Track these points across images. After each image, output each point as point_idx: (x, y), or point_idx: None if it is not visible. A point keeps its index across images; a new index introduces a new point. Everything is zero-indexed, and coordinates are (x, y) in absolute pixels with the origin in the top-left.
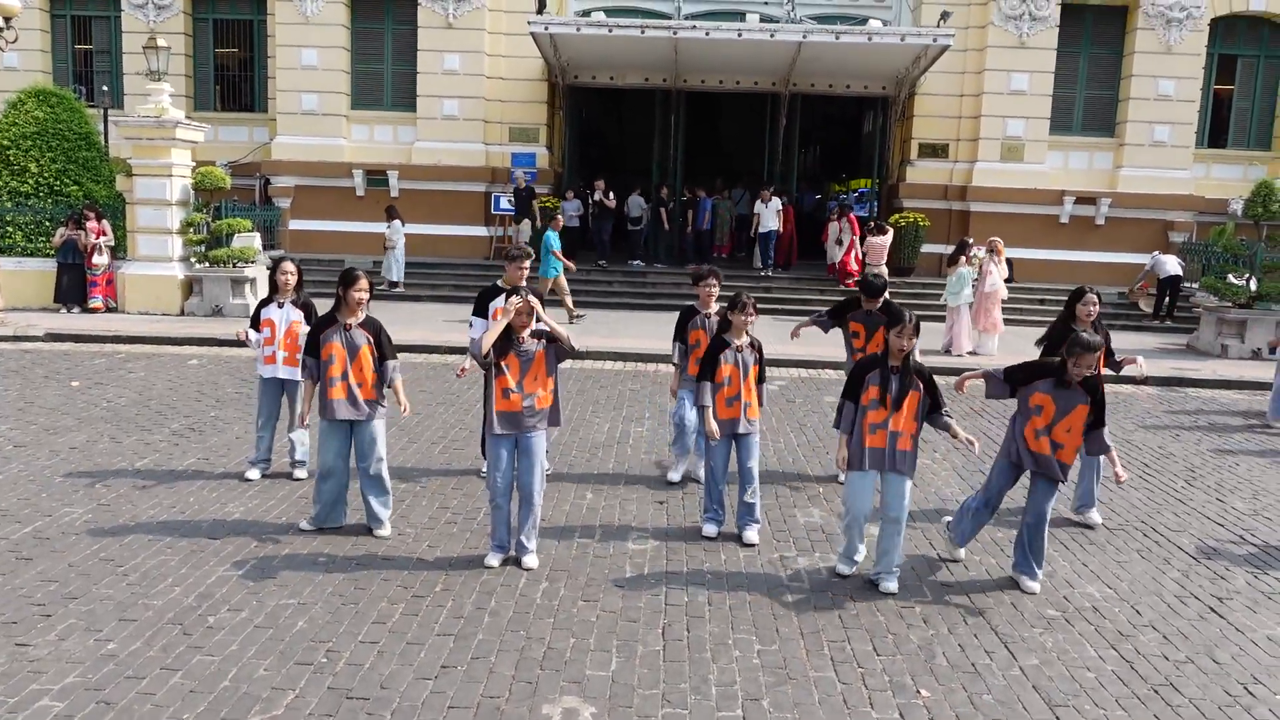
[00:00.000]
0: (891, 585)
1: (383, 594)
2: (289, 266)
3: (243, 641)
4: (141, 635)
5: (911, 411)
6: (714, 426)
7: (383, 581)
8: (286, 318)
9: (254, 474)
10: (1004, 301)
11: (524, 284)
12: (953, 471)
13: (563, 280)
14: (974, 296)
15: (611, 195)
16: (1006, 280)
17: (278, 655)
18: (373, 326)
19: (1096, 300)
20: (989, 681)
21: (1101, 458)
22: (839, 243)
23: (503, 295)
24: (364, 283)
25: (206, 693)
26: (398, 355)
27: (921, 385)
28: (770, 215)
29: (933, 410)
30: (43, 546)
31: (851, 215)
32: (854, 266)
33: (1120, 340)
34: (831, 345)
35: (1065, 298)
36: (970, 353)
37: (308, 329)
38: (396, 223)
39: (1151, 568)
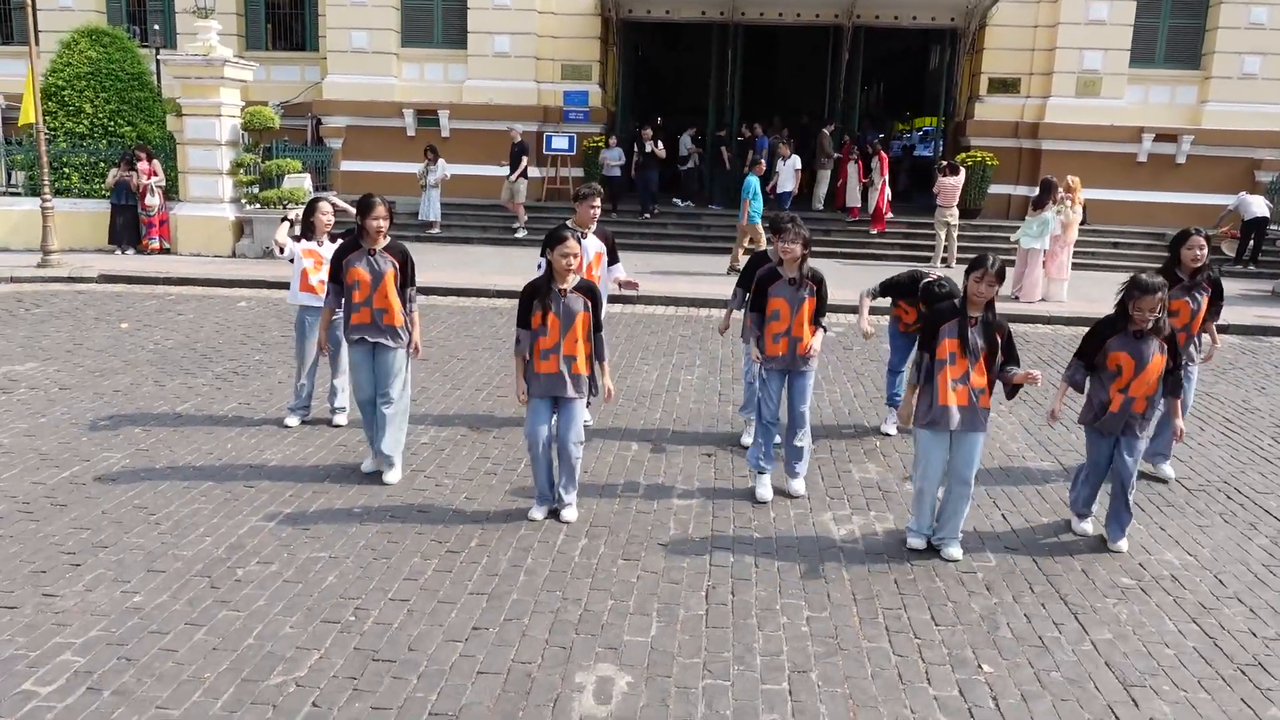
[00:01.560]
0: (955, 551)
1: (416, 548)
2: (326, 205)
3: (270, 597)
4: (169, 588)
5: (990, 366)
6: (755, 353)
7: (417, 535)
8: (329, 251)
9: (292, 420)
10: (1075, 245)
11: (592, 230)
12: (1019, 425)
13: (760, 229)
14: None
15: (661, 145)
16: (1080, 223)
17: (305, 612)
18: (399, 252)
19: (1204, 243)
20: (1057, 657)
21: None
22: (870, 184)
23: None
24: (381, 209)
25: (230, 651)
26: (417, 282)
27: (1000, 340)
28: (788, 174)
29: (1009, 363)
30: (78, 493)
31: (883, 154)
32: (886, 211)
33: None
34: None
35: (1140, 241)
36: (1040, 300)
37: None
38: (442, 162)
39: (1236, 533)
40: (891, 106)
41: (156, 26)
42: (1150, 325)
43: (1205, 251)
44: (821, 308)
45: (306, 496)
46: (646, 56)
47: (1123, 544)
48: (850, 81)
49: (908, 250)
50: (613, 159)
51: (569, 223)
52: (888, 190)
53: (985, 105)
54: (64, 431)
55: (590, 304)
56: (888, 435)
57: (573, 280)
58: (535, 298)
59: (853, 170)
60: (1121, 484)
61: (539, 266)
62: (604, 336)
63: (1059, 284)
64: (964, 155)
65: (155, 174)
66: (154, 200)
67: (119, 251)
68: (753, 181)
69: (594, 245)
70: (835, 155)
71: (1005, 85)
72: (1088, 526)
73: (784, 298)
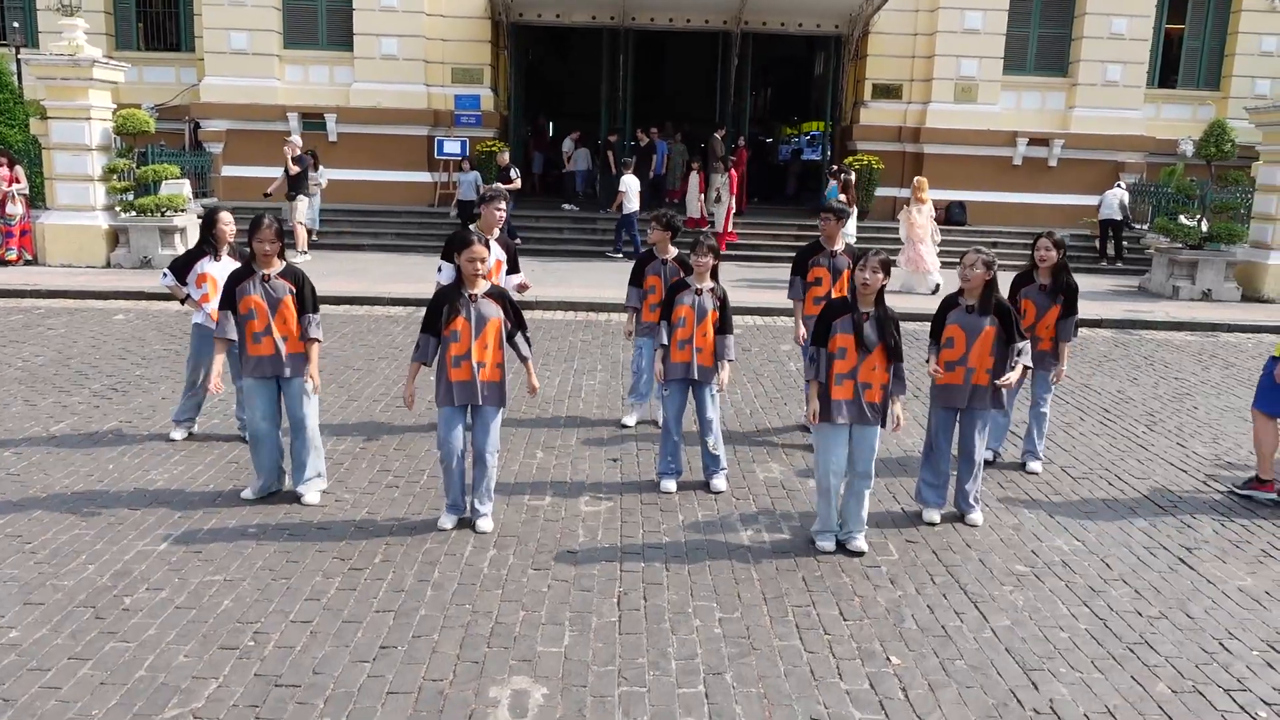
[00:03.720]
0: (860, 544)
1: (317, 567)
2: (228, 217)
3: (161, 625)
4: (48, 620)
5: (883, 359)
6: (659, 368)
7: (317, 553)
8: (227, 270)
9: (178, 434)
10: (948, 245)
11: (495, 235)
12: (912, 420)
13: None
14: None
15: (516, 173)
16: (956, 223)
17: (200, 639)
18: (294, 276)
19: (1050, 245)
20: (960, 645)
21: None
22: (718, 199)
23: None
24: (268, 231)
25: (119, 684)
26: (319, 309)
27: (894, 335)
28: (633, 195)
29: (893, 359)
30: None
31: (734, 171)
32: (733, 232)
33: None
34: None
35: (1020, 241)
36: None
37: None
38: (322, 169)
39: (1118, 518)
40: (780, 111)
41: (16, 24)
42: (983, 299)
43: (1054, 253)
44: (725, 324)
45: (197, 517)
46: (538, 60)
47: (976, 517)
48: (740, 87)
49: (771, 253)
50: (467, 182)
51: (473, 227)
52: (733, 205)
53: (870, 110)
54: None
55: (504, 309)
56: (793, 432)
57: (483, 285)
58: (445, 303)
59: (694, 180)
60: (969, 455)
61: (438, 270)
62: (529, 336)
63: (921, 277)
64: (851, 159)
65: (17, 180)
66: (15, 209)
67: None
68: (834, 193)
69: (496, 252)
70: (729, 159)
71: (888, 91)
72: (935, 515)
73: (690, 305)
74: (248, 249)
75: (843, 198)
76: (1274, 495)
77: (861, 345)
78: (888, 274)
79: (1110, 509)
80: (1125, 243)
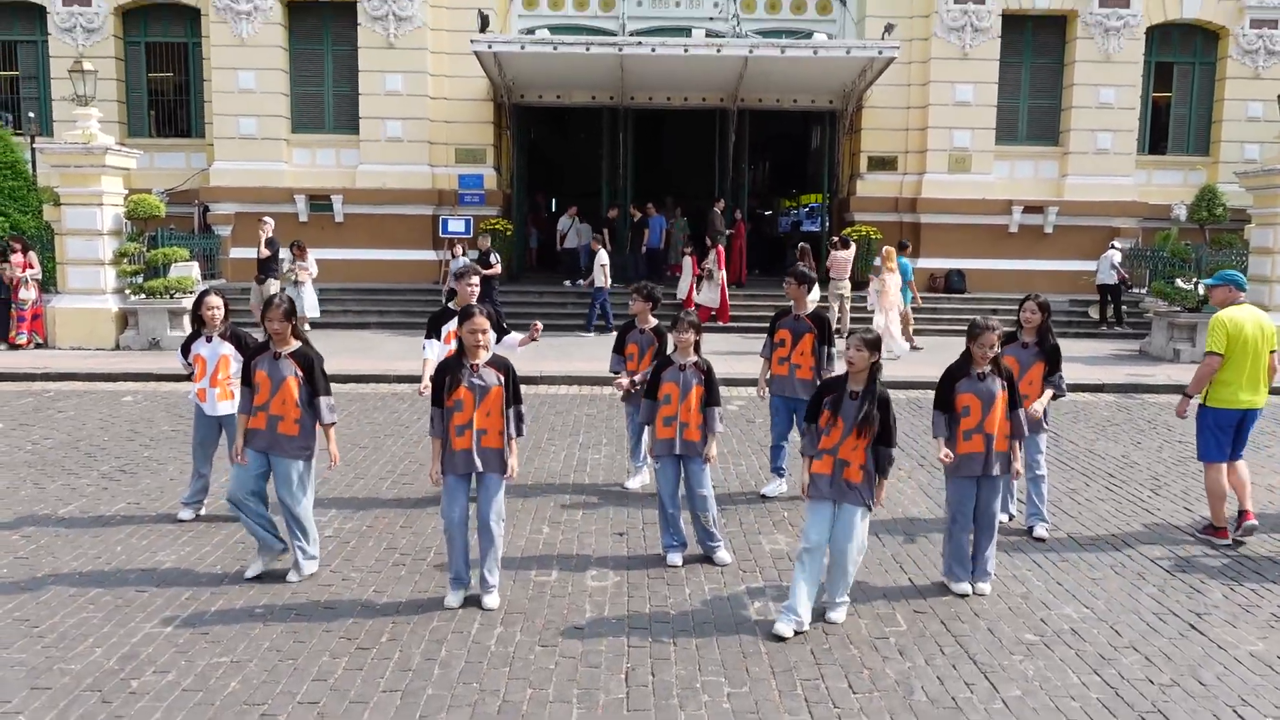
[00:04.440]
0: (837, 615)
1: (324, 647)
2: (214, 300)
3: (168, 708)
4: (55, 705)
5: (865, 439)
6: (646, 446)
7: (324, 633)
8: (216, 352)
9: (186, 514)
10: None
11: (475, 303)
12: (919, 490)
13: (909, 310)
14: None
15: (496, 258)
16: (955, 291)
17: None
18: (305, 359)
19: (1035, 307)
20: (971, 717)
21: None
22: (708, 278)
23: (455, 318)
24: (277, 311)
25: None
26: (332, 391)
27: (880, 416)
28: (605, 272)
29: (879, 442)
30: None
31: (720, 249)
32: (729, 313)
33: (1074, 347)
34: None
35: (1017, 308)
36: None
37: (240, 360)
38: (312, 259)
39: (1127, 584)
40: (779, 184)
41: (32, 114)
42: (990, 365)
43: (1038, 315)
44: (711, 395)
45: (204, 599)
46: (539, 139)
47: (985, 586)
48: (739, 161)
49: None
50: (454, 268)
51: (451, 304)
52: (726, 285)
53: (866, 182)
54: None
55: (504, 379)
56: (797, 504)
57: (484, 356)
58: (448, 374)
59: (686, 263)
60: (988, 523)
61: (423, 348)
62: (523, 410)
63: (892, 343)
64: (850, 230)
65: (31, 266)
66: (28, 294)
67: None
68: (905, 265)
69: None
70: (728, 231)
71: (883, 163)
72: (965, 586)
73: (674, 382)
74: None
75: (878, 263)
76: (1228, 541)
77: (844, 422)
78: (875, 350)
79: (1118, 575)
80: (1124, 306)
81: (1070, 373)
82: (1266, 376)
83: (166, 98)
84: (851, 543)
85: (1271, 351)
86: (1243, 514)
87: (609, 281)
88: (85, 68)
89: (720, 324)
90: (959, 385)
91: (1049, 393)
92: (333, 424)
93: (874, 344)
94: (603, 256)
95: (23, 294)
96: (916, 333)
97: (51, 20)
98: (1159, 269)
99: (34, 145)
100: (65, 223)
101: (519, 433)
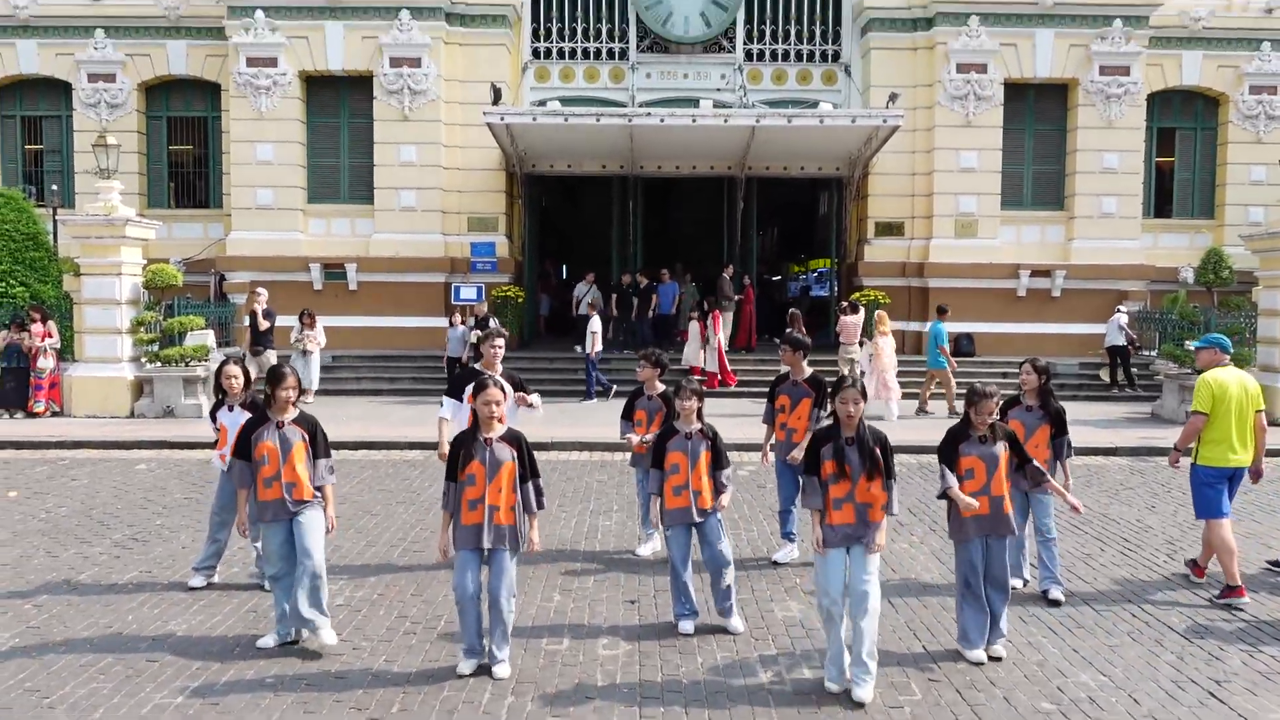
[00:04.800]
0: (864, 693)
1: (335, 717)
2: (233, 369)
3: None
4: None
5: (878, 479)
6: (654, 514)
7: (335, 703)
8: (237, 421)
9: (197, 581)
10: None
11: (499, 370)
12: (932, 555)
13: (950, 374)
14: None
15: (495, 323)
16: (965, 355)
17: None
18: (308, 423)
19: (1032, 369)
20: None
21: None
22: (705, 343)
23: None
24: (291, 379)
25: None
26: (332, 454)
27: (880, 454)
28: (598, 338)
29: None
30: None
31: (717, 313)
32: (732, 376)
33: (1086, 410)
34: None
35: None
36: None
37: None
38: (320, 327)
39: (1144, 650)
40: (787, 249)
41: (55, 187)
42: (990, 429)
43: (1034, 377)
44: (719, 459)
45: (215, 668)
46: (550, 207)
47: (999, 648)
48: (747, 227)
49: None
50: (456, 336)
51: (478, 364)
52: (724, 345)
53: (874, 247)
54: None
55: (518, 453)
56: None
57: (499, 429)
58: (462, 448)
59: (694, 329)
60: (999, 582)
61: (440, 404)
62: (541, 484)
63: (887, 403)
64: (858, 294)
65: (50, 335)
66: (46, 362)
67: (7, 416)
68: (940, 330)
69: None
70: (737, 297)
71: (890, 228)
72: (980, 654)
73: (681, 451)
74: (263, 395)
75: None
76: (1248, 599)
77: (850, 470)
78: (864, 399)
79: (1136, 641)
80: (1134, 369)
81: (1082, 436)
82: (1254, 435)
83: (186, 169)
84: (869, 585)
85: (1257, 411)
86: (1194, 565)
87: (602, 348)
88: (109, 142)
89: (724, 387)
90: (961, 448)
91: (1065, 468)
92: (330, 483)
93: (863, 394)
94: (595, 323)
95: (41, 363)
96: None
97: (77, 96)
98: (1168, 331)
99: (56, 217)
100: (84, 292)
101: (540, 505)
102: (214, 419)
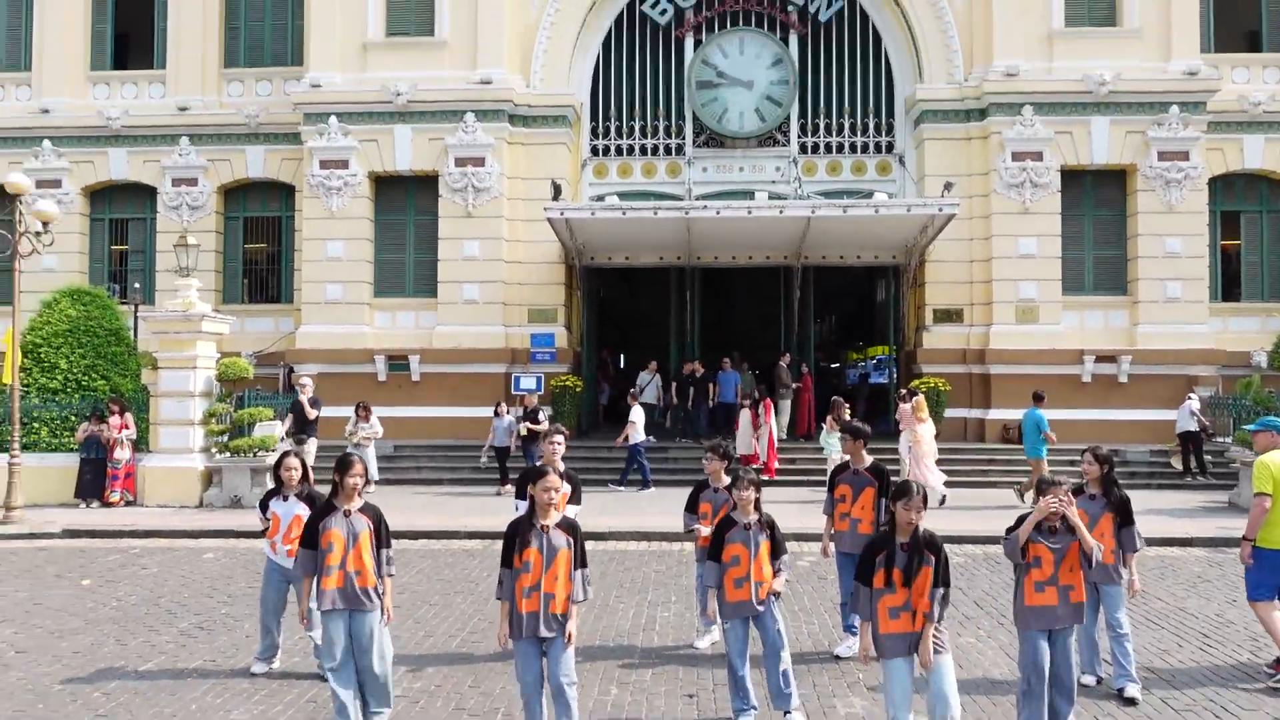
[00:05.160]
0: None
1: None
2: (293, 461)
3: None
4: None
5: (929, 588)
6: (712, 607)
7: None
8: (290, 511)
9: (259, 668)
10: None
11: (558, 463)
12: (1000, 650)
13: (1045, 464)
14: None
15: (544, 415)
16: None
17: None
18: (373, 513)
19: (1093, 459)
20: None
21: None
22: (756, 431)
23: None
24: (359, 467)
25: None
26: (392, 544)
27: (934, 559)
28: (640, 426)
29: (937, 584)
30: None
31: (768, 402)
32: (774, 464)
33: (1160, 499)
34: None
35: (1086, 456)
36: None
37: None
38: (375, 419)
39: None
40: (845, 337)
41: (137, 285)
42: (1061, 520)
43: (1096, 467)
44: (777, 549)
45: None
46: (608, 298)
47: None
48: (804, 315)
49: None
50: (500, 427)
51: (539, 462)
52: (776, 436)
53: (932, 334)
54: (19, 698)
55: (573, 541)
56: (845, 659)
57: (555, 516)
58: (518, 535)
59: (745, 417)
60: (1065, 685)
61: (515, 509)
62: (589, 574)
63: (928, 492)
64: (918, 381)
65: (127, 427)
66: (123, 453)
67: (84, 505)
68: (1040, 417)
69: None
70: (795, 385)
71: (949, 315)
72: None
73: (742, 542)
74: (334, 484)
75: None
76: None
77: (905, 578)
78: (923, 511)
79: None
80: (1208, 456)
81: (1156, 526)
82: None
83: (259, 266)
84: (948, 688)
85: None
86: (1278, 663)
87: (644, 436)
88: (189, 242)
89: (766, 478)
90: (1032, 535)
91: (1133, 560)
92: (391, 575)
93: (923, 504)
94: (635, 412)
95: (118, 454)
96: (990, 484)
97: (161, 199)
98: (1242, 417)
99: (137, 313)
100: (160, 385)
101: (585, 596)
102: (265, 508)
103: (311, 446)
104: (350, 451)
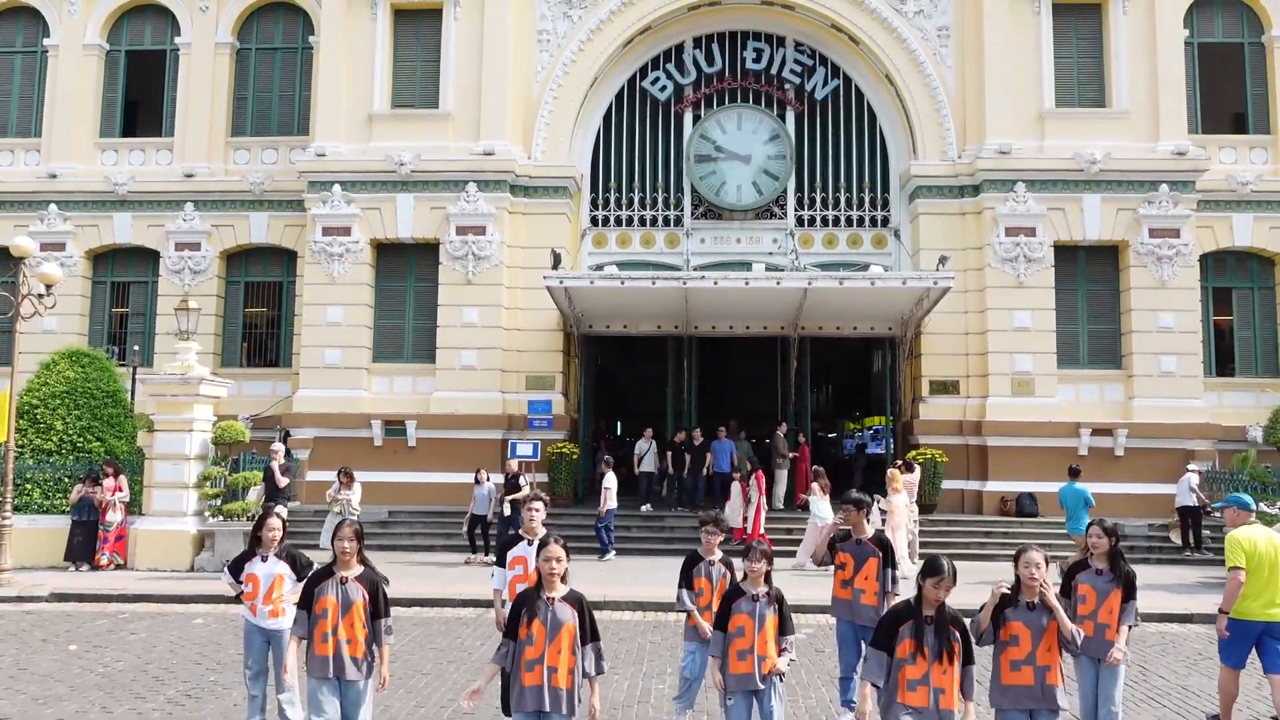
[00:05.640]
0: None
1: None
2: (274, 522)
3: None
4: None
5: (954, 665)
6: (717, 678)
7: None
8: (271, 572)
9: None
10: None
11: (539, 534)
12: None
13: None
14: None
15: (525, 481)
16: (1028, 515)
17: None
18: (370, 582)
19: (1101, 533)
20: None
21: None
22: (747, 501)
23: (523, 543)
24: (347, 530)
25: None
26: (390, 613)
27: (959, 637)
28: (613, 494)
29: (965, 662)
30: None
31: (760, 473)
32: (763, 532)
33: (1158, 574)
34: None
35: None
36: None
37: (295, 580)
38: (357, 486)
39: None
40: (842, 406)
41: (136, 347)
42: (1039, 596)
43: (1105, 540)
44: (785, 626)
45: None
46: (606, 366)
47: None
48: (801, 385)
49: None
50: (480, 495)
51: (519, 530)
52: (770, 506)
53: (929, 405)
54: None
55: (579, 615)
56: None
57: (561, 589)
58: (524, 606)
59: (735, 490)
60: None
61: (492, 575)
62: (601, 647)
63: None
64: (915, 453)
65: (120, 489)
66: (115, 516)
67: (73, 568)
68: (1084, 491)
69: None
70: (791, 454)
71: (945, 387)
72: None
73: (748, 614)
74: (331, 550)
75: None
76: None
77: (928, 650)
78: (955, 584)
79: None
80: (1206, 530)
81: (1156, 601)
82: None
83: (259, 330)
84: None
85: None
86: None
87: (615, 505)
88: (190, 306)
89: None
90: (1007, 613)
91: (1125, 631)
92: (388, 644)
93: (956, 579)
94: (609, 479)
95: (110, 516)
96: (988, 557)
97: (163, 263)
98: (1239, 492)
99: (136, 375)
100: (156, 447)
101: (599, 670)
102: (237, 571)
103: (282, 512)
104: (344, 519)
